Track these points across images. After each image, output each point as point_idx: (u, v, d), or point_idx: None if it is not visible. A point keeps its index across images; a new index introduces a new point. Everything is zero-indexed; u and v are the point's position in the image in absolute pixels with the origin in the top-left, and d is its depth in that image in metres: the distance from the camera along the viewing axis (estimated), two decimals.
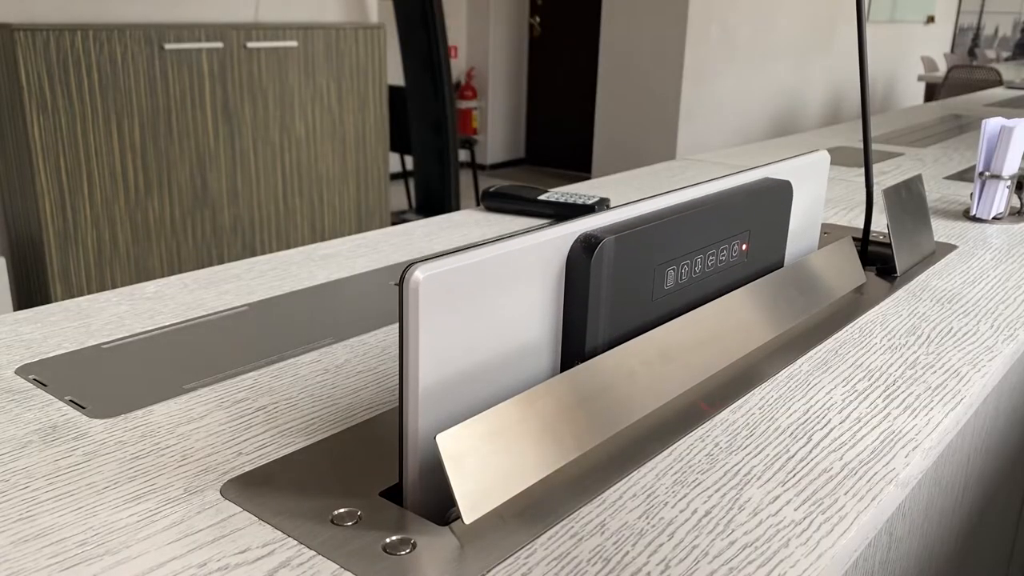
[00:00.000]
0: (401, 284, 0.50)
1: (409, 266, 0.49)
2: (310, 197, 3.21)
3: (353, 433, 0.63)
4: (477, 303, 0.54)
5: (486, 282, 0.54)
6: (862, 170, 1.71)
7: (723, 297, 0.76)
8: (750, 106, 6.07)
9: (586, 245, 0.60)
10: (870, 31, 7.13)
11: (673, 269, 0.70)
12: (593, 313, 0.62)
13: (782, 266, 0.88)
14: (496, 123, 6.39)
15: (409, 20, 4.01)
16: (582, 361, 0.62)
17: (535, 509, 0.54)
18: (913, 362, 0.79)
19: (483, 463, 0.52)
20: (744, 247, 0.79)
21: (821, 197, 0.96)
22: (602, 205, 1.25)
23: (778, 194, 0.83)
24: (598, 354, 0.63)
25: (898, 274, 1.03)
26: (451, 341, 0.53)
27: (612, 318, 0.64)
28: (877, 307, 0.93)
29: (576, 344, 0.62)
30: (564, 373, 0.60)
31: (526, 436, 0.55)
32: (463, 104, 6.16)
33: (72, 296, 2.66)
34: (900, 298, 0.96)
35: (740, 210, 0.76)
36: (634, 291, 0.66)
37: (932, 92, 6.72)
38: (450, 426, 0.52)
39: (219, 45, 2.82)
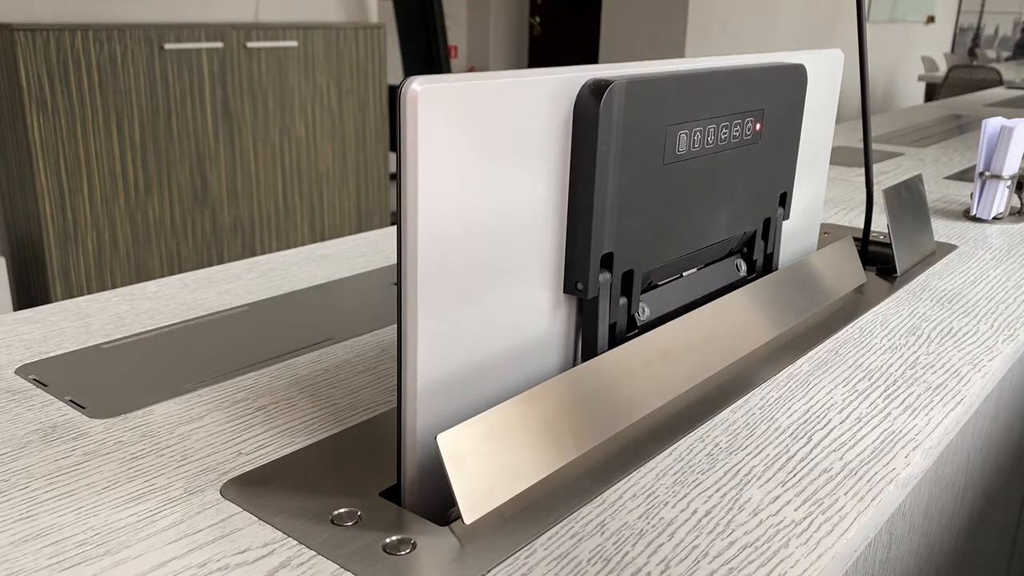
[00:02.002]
0: (398, 97, 0.46)
1: (406, 79, 0.46)
2: (310, 197, 3.21)
3: (353, 433, 0.63)
4: (478, 134, 0.51)
5: (487, 112, 0.51)
6: (862, 170, 1.71)
7: (724, 297, 0.76)
8: None
9: (595, 89, 0.57)
10: (870, 31, 7.12)
11: (685, 133, 0.66)
12: (602, 166, 0.58)
13: (796, 158, 0.85)
14: None
15: (409, 20, 4.01)
16: (591, 216, 0.59)
17: (535, 509, 0.54)
18: (913, 362, 0.79)
19: (483, 463, 0.52)
20: (758, 126, 0.76)
21: (834, 99, 0.94)
22: None
23: (793, 76, 0.81)
24: (608, 214, 0.60)
25: (898, 274, 1.03)
26: (451, 168, 0.50)
27: (622, 176, 0.61)
28: (877, 307, 0.93)
29: (584, 198, 0.59)
30: (565, 373, 0.60)
31: (527, 436, 0.55)
32: None
33: (72, 296, 2.66)
34: (900, 298, 0.96)
35: (754, 85, 0.74)
36: (645, 150, 0.62)
37: (932, 92, 6.72)
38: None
39: (219, 45, 2.82)
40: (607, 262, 0.62)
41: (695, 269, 0.76)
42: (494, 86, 0.51)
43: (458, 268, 0.52)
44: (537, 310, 0.60)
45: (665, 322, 0.70)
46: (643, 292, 0.70)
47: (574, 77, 0.57)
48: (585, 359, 0.64)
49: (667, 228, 0.68)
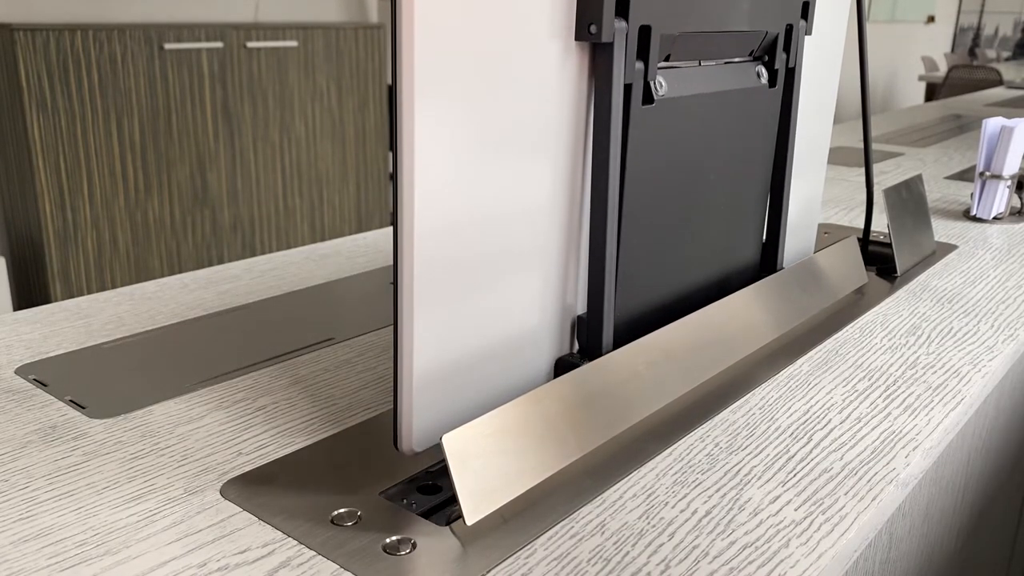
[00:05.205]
0: None
1: None
2: (310, 197, 3.21)
3: (353, 433, 0.63)
4: None
5: None
6: (862, 170, 1.71)
7: (728, 297, 0.76)
8: None
9: None
10: (870, 31, 7.12)
11: None
12: None
13: None
14: None
15: None
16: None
17: (535, 509, 0.54)
18: (913, 362, 0.79)
19: (487, 464, 0.52)
20: None
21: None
22: None
23: None
24: None
25: (898, 274, 1.03)
26: None
27: None
28: (877, 307, 0.93)
29: None
30: (569, 373, 0.59)
31: (530, 437, 0.55)
32: None
33: (72, 296, 2.66)
34: (900, 298, 0.96)
35: None
36: None
37: (932, 92, 6.72)
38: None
39: (219, 45, 2.82)
40: (622, 8, 0.60)
41: (715, 62, 0.74)
42: None
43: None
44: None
45: (680, 109, 0.68)
46: (660, 69, 0.67)
47: None
48: (598, 123, 0.61)
49: None
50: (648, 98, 0.65)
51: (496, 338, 0.57)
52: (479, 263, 0.55)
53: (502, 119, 0.54)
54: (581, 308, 0.66)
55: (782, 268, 0.88)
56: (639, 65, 0.63)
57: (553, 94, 0.58)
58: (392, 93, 0.49)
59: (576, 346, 0.66)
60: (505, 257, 0.57)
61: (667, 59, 0.67)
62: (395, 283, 0.51)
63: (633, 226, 0.67)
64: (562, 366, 0.64)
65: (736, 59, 0.77)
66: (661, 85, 0.66)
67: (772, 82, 0.81)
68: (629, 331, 0.69)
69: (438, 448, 0.52)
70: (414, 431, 0.53)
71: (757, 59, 0.80)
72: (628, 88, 0.63)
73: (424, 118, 0.49)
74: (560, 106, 0.59)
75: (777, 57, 0.81)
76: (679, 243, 0.73)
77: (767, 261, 0.88)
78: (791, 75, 0.83)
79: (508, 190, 0.56)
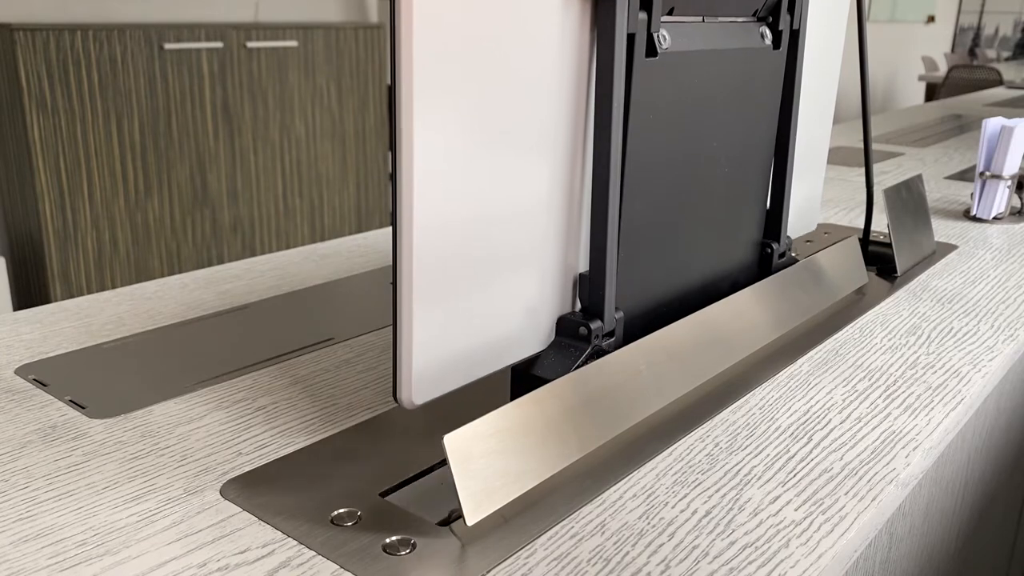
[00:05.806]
0: None
1: None
2: (310, 197, 3.21)
3: (353, 433, 0.63)
4: None
5: None
6: (862, 170, 1.71)
7: (729, 297, 0.76)
8: None
9: None
10: (870, 31, 7.11)
11: None
12: None
13: None
14: None
15: None
16: None
17: (535, 509, 0.54)
18: (913, 362, 0.79)
19: (488, 464, 0.52)
20: None
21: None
22: None
23: None
24: None
25: (898, 274, 1.03)
26: None
27: None
28: (878, 307, 0.93)
29: None
30: (571, 374, 0.59)
31: (532, 437, 0.55)
32: None
33: (72, 296, 2.66)
34: (900, 298, 0.96)
35: None
36: None
37: (932, 92, 6.71)
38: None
39: (219, 45, 2.82)
40: None
41: (719, 19, 0.74)
42: None
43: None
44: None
45: (687, 65, 0.68)
46: (664, 23, 0.66)
47: None
48: (600, 75, 0.61)
49: None
50: (652, 51, 0.64)
51: (498, 295, 0.57)
52: (479, 231, 0.55)
53: (504, 92, 0.54)
54: (583, 266, 0.65)
55: (786, 236, 0.88)
56: (642, 16, 0.62)
57: (555, 47, 0.57)
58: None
59: (578, 305, 0.66)
60: (508, 208, 0.57)
61: (670, 13, 0.67)
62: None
63: (636, 183, 0.66)
64: (564, 324, 0.64)
65: (740, 18, 0.76)
66: (664, 39, 0.66)
67: (776, 43, 0.80)
68: (631, 291, 0.69)
69: (439, 448, 0.52)
70: (413, 381, 0.52)
71: (761, 20, 0.79)
72: (631, 40, 0.62)
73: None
74: (562, 62, 0.58)
75: (781, 18, 0.80)
76: (682, 202, 0.73)
77: (771, 228, 0.87)
78: (795, 38, 0.83)
79: (512, 157, 0.56)
